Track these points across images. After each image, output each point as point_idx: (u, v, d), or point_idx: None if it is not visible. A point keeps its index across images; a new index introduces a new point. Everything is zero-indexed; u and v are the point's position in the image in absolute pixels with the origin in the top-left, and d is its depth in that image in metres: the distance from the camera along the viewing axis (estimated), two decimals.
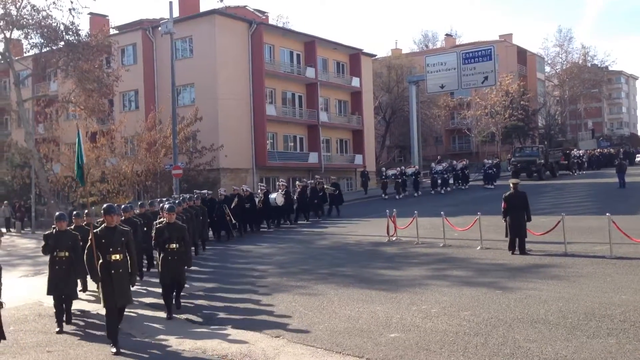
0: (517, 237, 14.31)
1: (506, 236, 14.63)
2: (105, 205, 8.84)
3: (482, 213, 16.10)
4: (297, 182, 27.62)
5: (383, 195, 34.20)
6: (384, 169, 37.71)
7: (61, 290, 9.93)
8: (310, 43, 45.19)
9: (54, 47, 34.44)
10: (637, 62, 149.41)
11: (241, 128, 39.07)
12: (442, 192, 34.12)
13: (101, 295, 8.48)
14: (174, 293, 10.59)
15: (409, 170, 35.29)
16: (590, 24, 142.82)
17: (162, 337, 9.12)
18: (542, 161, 39.74)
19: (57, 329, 9.69)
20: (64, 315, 10.03)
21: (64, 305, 10.03)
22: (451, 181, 35.91)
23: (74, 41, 33.90)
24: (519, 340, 7.50)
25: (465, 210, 22.87)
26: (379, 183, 36.46)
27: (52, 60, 35.85)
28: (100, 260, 8.49)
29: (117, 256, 8.43)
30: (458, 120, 66.75)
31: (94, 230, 8.73)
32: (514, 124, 60.32)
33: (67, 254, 9.98)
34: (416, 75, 50.46)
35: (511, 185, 14.91)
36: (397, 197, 33.01)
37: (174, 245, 10.33)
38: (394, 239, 17.98)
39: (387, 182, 34.75)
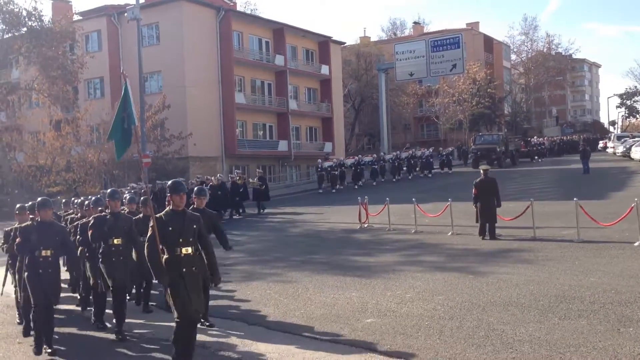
0: (487, 223, 14.51)
1: (477, 222, 14.83)
2: (170, 182, 6.67)
3: (452, 199, 16.28)
4: (212, 177, 24.78)
5: (320, 188, 32.39)
6: (319, 160, 34.72)
7: (55, 298, 7.76)
8: (279, 30, 44.89)
9: (16, 33, 33.65)
10: (600, 50, 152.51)
11: (210, 116, 38.68)
12: (374, 183, 33.65)
13: (172, 304, 6.27)
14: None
15: (348, 162, 34.40)
16: (555, 11, 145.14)
17: (135, 321, 9.03)
18: (502, 148, 39.34)
19: (35, 350, 7.52)
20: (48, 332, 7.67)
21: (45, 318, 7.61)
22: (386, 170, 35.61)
23: (37, 27, 33.17)
24: (493, 323, 7.62)
25: (434, 197, 23.10)
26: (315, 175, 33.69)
27: (14, 46, 34.97)
28: (166, 256, 6.31)
29: (190, 249, 6.34)
30: (426, 108, 67.28)
31: (157, 215, 6.48)
32: (481, 111, 61.10)
33: (51, 252, 7.59)
34: (385, 63, 50.59)
35: (481, 171, 15.12)
36: (332, 190, 31.62)
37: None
38: (365, 226, 18.08)
39: (323, 175, 32.68)
